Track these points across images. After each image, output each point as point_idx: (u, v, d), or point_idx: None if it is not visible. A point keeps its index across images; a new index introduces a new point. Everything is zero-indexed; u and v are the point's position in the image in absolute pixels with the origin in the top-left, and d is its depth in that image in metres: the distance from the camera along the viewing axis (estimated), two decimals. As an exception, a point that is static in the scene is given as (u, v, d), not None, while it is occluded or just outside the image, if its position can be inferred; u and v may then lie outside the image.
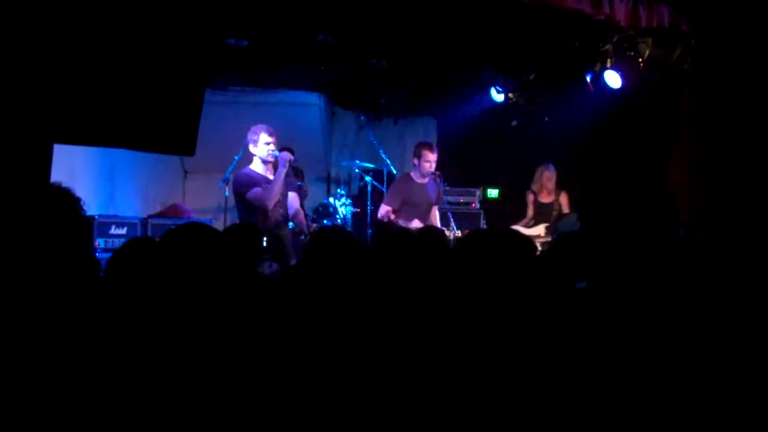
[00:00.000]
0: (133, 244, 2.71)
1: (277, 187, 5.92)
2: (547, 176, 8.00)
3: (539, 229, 7.75)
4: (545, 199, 8.02)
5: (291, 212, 6.32)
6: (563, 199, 8.03)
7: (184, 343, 2.10)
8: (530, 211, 8.07)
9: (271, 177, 5.99)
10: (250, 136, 6.01)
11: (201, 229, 2.43)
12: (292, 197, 6.29)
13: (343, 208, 9.12)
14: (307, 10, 6.42)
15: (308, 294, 2.52)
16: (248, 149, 6.06)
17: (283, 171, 5.90)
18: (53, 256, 2.07)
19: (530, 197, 8.10)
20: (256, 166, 6.03)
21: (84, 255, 2.22)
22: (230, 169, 7.77)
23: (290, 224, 6.44)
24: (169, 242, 2.38)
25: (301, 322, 2.31)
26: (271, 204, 5.90)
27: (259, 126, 6.03)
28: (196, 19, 4.87)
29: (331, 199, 9.31)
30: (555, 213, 7.93)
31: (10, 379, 1.82)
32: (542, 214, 7.97)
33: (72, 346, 1.94)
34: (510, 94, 8.63)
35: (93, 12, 4.26)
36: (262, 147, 5.95)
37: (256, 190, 5.88)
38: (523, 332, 2.31)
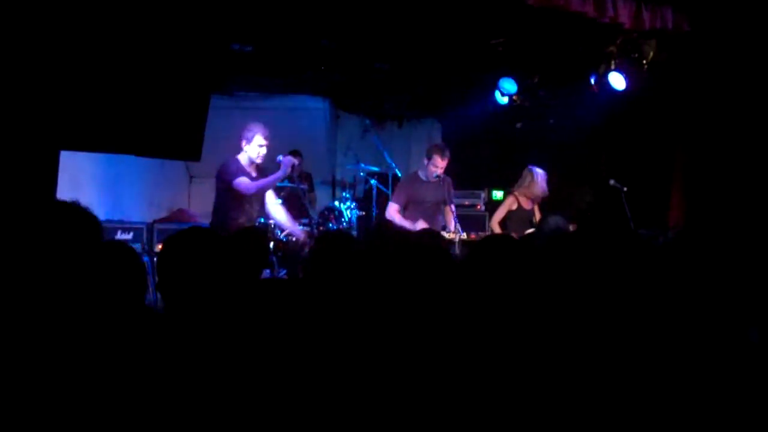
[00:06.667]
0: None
1: (267, 185, 6.04)
2: (543, 182, 7.26)
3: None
4: (527, 205, 7.33)
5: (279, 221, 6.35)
6: (537, 206, 7.40)
7: (185, 347, 2.11)
8: (500, 216, 7.35)
9: (254, 174, 6.07)
10: (245, 133, 6.07)
11: (203, 233, 2.43)
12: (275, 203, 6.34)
13: (348, 211, 9.13)
14: (311, 15, 6.43)
15: (312, 302, 2.52)
16: (241, 144, 6.10)
17: (281, 175, 5.96)
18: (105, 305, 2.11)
19: (511, 201, 7.34)
20: (243, 160, 6.08)
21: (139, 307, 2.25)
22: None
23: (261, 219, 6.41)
24: (171, 247, 2.38)
25: (304, 329, 2.31)
26: (251, 194, 6.00)
27: (256, 125, 6.08)
28: (201, 24, 4.88)
29: (337, 203, 9.31)
30: (528, 220, 7.28)
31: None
32: (521, 220, 7.27)
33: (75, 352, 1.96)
34: (514, 97, 8.57)
35: (97, 18, 4.28)
36: (254, 147, 6.02)
37: (244, 179, 5.98)
38: (524, 335, 2.31)
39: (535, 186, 7.24)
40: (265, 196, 6.24)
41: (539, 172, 7.29)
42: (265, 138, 6.02)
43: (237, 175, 5.99)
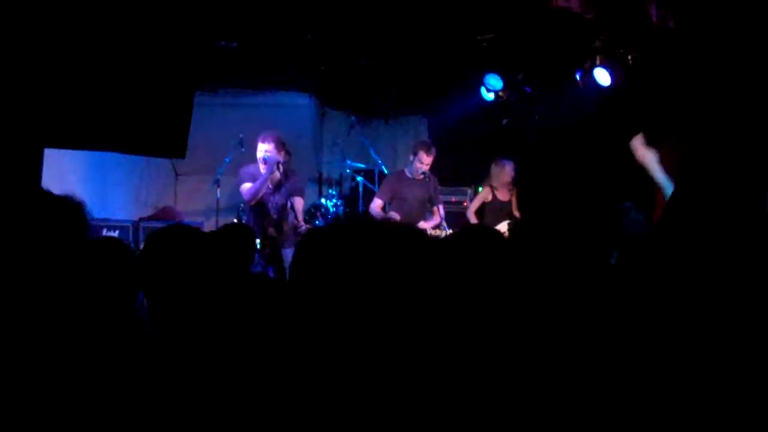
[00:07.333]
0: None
1: (259, 187, 6.14)
2: (509, 173, 7.70)
3: (503, 227, 7.54)
4: (503, 197, 7.73)
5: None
6: (514, 197, 7.80)
7: (172, 347, 2.10)
8: (475, 207, 7.81)
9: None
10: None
11: (184, 231, 2.42)
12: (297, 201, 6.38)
13: (334, 208, 9.12)
14: (297, 10, 6.42)
15: (299, 300, 2.51)
16: None
17: (267, 174, 6.03)
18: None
19: (486, 192, 7.78)
20: (259, 165, 6.28)
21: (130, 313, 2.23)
22: (221, 170, 7.76)
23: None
24: (153, 245, 2.37)
25: (292, 329, 2.31)
26: (251, 200, 6.20)
27: (261, 134, 6.30)
28: (185, 21, 4.87)
29: (323, 200, 9.30)
30: (506, 212, 7.68)
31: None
32: (497, 211, 7.68)
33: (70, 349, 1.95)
34: (500, 93, 8.58)
35: (83, 16, 4.26)
36: (258, 153, 6.22)
37: (245, 185, 6.20)
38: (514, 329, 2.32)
39: (499, 177, 7.68)
40: (289, 204, 6.29)
41: (505, 163, 7.71)
42: (263, 141, 6.19)
43: (243, 181, 6.24)
